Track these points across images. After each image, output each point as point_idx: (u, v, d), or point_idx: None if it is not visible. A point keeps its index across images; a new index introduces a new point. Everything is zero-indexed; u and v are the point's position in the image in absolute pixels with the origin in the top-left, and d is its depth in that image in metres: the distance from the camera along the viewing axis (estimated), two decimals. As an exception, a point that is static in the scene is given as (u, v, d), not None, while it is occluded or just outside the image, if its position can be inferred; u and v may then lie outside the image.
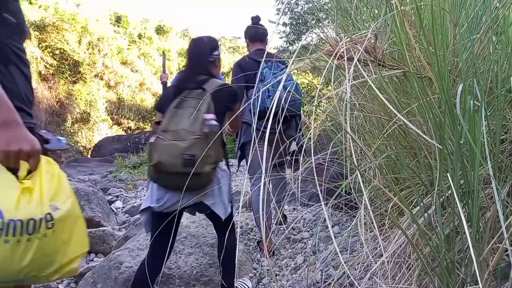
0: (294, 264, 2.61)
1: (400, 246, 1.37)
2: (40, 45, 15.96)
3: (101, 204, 5.04)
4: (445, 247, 1.06)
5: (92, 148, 15.96)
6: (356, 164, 1.02)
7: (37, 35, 15.91)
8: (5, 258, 1.03)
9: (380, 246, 1.26)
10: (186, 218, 3.02)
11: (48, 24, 16.39)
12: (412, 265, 1.30)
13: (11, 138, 1.04)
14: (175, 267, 2.41)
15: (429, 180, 1.18)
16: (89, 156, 15.30)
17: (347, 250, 2.02)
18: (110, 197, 7.01)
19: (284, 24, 13.11)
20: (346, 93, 0.81)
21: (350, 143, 0.80)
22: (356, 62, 0.85)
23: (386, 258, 1.36)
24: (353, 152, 0.86)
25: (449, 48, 1.16)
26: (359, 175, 0.84)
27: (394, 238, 1.32)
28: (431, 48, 1.05)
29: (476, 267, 0.82)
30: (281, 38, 13.22)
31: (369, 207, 0.78)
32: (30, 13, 17.18)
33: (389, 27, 1.13)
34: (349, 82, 0.79)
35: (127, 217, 5.83)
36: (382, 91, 1.32)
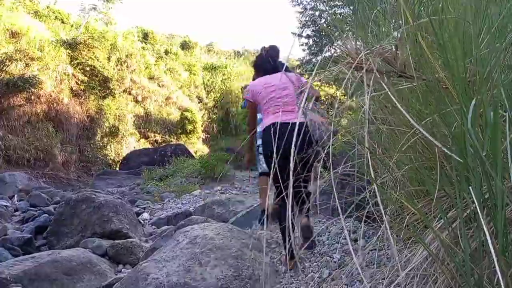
0: (319, 277, 2.58)
1: (427, 258, 1.34)
2: (72, 63, 16.59)
3: (128, 216, 5.15)
4: (472, 262, 1.03)
5: (120, 161, 16.34)
6: (378, 177, 1.02)
7: (69, 53, 16.56)
8: None
9: (400, 261, 1.24)
10: (211, 230, 3.05)
11: (79, 42, 17.05)
12: (438, 279, 1.27)
13: None
14: (201, 279, 2.43)
15: (453, 193, 1.15)
16: (117, 169, 15.66)
17: (373, 264, 1.98)
18: (137, 209, 7.15)
19: (308, 37, 13.20)
20: (365, 105, 0.82)
21: (368, 157, 0.81)
22: (376, 73, 0.86)
23: (412, 271, 1.33)
24: (370, 166, 0.86)
25: (469, 59, 1.15)
26: (376, 189, 0.84)
27: (419, 250, 1.30)
28: (450, 58, 1.05)
29: (502, 283, 0.80)
30: (304, 50, 13.31)
31: (386, 222, 0.78)
32: (63, 32, 17.96)
33: (409, 37, 1.13)
34: (367, 94, 0.80)
35: (154, 229, 5.91)
36: (405, 102, 1.31)
